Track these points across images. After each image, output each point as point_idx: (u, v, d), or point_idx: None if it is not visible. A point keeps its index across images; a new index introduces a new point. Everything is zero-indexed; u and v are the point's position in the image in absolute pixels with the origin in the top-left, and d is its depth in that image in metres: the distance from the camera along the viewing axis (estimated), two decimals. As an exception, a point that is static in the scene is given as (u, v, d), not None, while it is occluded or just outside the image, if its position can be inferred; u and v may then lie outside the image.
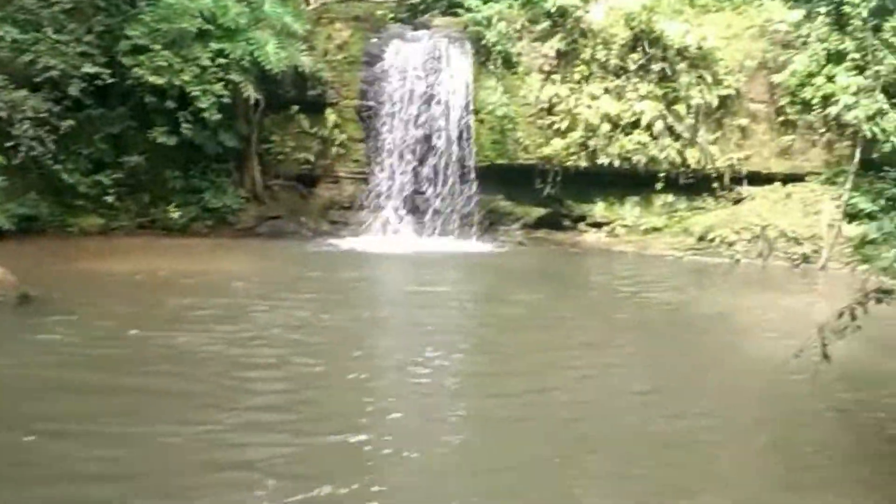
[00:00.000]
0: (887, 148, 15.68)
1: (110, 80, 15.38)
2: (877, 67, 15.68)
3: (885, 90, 15.75)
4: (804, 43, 16.70)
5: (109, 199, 16.24)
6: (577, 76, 17.27)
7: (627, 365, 8.39)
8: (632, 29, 17.00)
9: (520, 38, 17.52)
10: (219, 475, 5.36)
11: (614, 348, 9.07)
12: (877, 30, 15.89)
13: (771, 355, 9.19)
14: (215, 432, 6.01)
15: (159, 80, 15.30)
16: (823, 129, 16.89)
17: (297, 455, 5.77)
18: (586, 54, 17.24)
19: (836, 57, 16.31)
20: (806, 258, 15.81)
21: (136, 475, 5.28)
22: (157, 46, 15.35)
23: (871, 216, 15.91)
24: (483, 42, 17.28)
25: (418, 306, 11.13)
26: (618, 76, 17.25)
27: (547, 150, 17.27)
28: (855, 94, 15.75)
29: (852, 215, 16.06)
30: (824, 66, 16.42)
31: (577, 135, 17.07)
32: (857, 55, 15.99)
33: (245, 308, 10.12)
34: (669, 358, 8.86)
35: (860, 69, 16.00)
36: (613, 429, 6.47)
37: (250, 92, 16.27)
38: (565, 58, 17.39)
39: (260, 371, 7.63)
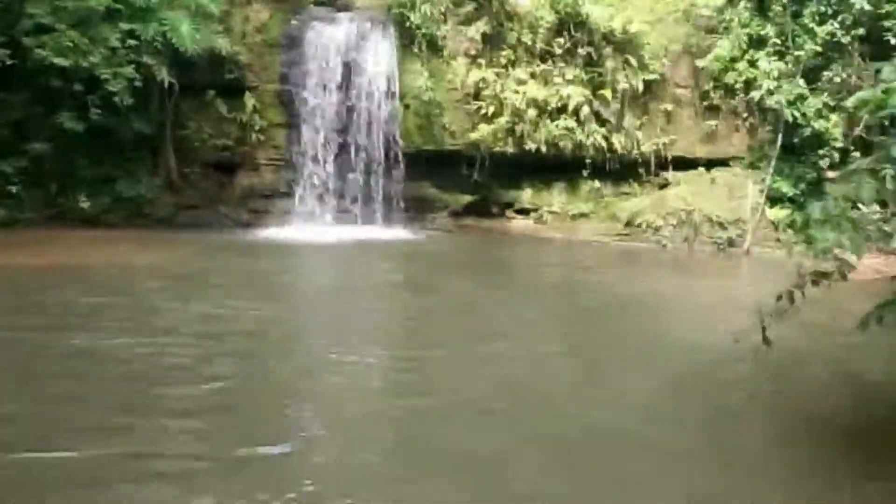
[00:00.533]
0: (807, 132, 15.87)
1: (10, 62, 14.45)
2: (797, 53, 15.84)
3: (804, 75, 15.90)
4: (727, 28, 16.77)
5: (13, 189, 15.34)
6: (503, 60, 17.01)
7: (556, 353, 8.15)
8: (557, 13, 16.80)
9: (444, 21, 17.17)
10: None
11: (543, 336, 8.83)
12: (796, 15, 16.03)
13: (702, 338, 9.15)
14: (116, 446, 5.49)
15: (65, 62, 14.43)
16: (746, 114, 17.03)
17: (211, 470, 5.28)
18: (512, 38, 17.00)
19: (758, 42, 16.43)
20: (731, 242, 15.94)
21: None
22: (63, 26, 14.49)
23: (792, 200, 16.12)
24: (407, 25, 16.87)
25: (340, 299, 10.72)
26: (544, 61, 17.06)
27: (474, 136, 17.00)
28: (776, 78, 15.87)
29: (774, 199, 16.25)
30: (746, 51, 16.53)
31: (503, 120, 16.83)
32: (777, 40, 16.11)
33: (153, 305, 9.54)
34: (599, 344, 8.67)
35: (781, 54, 16.14)
36: (544, 420, 6.21)
37: (164, 75, 15.52)
38: (491, 42, 17.11)
39: (168, 373, 7.10)
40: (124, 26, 14.96)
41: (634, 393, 6.92)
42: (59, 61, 14.41)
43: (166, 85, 15.80)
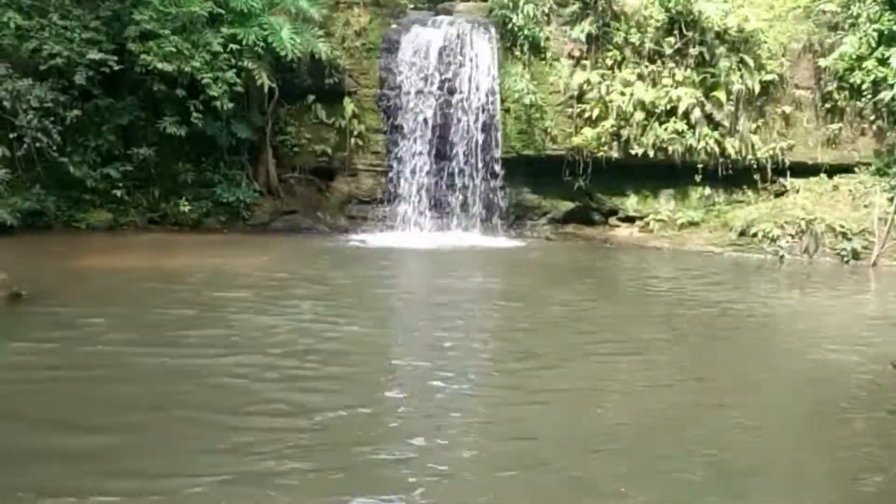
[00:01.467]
0: (944, 136, 14.58)
1: (117, 68, 14.70)
2: (936, 48, 14.59)
3: (943, 73, 14.63)
4: (853, 24, 15.61)
5: (118, 192, 15.61)
6: (608, 62, 16.30)
7: (673, 376, 7.43)
8: (667, 11, 15.98)
9: (548, 22, 16.59)
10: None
11: (657, 357, 8.10)
12: (935, 8, 14.79)
13: (846, 360, 8.27)
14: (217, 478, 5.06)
15: (168, 67, 14.56)
16: (874, 117, 15.82)
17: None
18: (619, 38, 16.26)
19: (889, 38, 15.18)
20: (856, 254, 14.74)
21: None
22: (166, 32, 14.61)
23: (926, 209, 14.82)
24: (509, 26, 16.37)
25: (442, 307, 10.21)
26: (652, 61, 16.26)
27: (576, 140, 16.33)
28: (911, 77, 14.65)
29: (906, 208, 14.96)
30: (875, 48, 15.32)
31: (608, 124, 16.10)
32: (912, 36, 14.89)
33: (247, 312, 9.26)
34: (726, 368, 7.89)
35: (916, 51, 14.90)
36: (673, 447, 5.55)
37: (264, 80, 15.50)
38: (596, 42, 16.43)
39: (261, 386, 6.74)
40: (226, 31, 15.02)
41: (788, 425, 6.14)
42: (163, 66, 14.53)
43: (266, 90, 15.78)
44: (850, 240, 14.87)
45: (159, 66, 14.53)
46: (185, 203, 15.85)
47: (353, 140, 16.75)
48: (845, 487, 5.14)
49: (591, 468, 5.24)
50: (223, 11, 15.05)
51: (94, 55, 14.35)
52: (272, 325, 8.46)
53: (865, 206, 15.32)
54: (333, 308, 9.49)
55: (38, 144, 14.40)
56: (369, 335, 8.36)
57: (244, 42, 15.04)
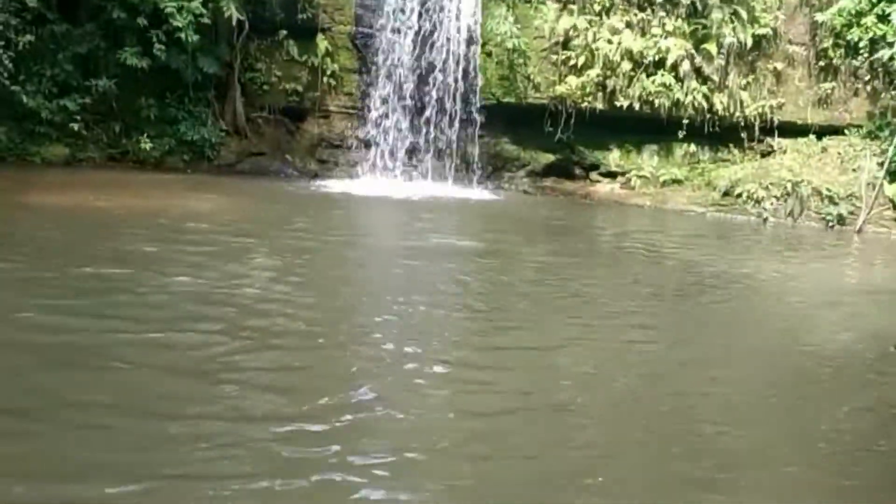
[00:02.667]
0: (941, 99, 14.04)
1: (73, -8, 13.74)
2: (940, 6, 13.95)
3: (946, 33, 14.03)
4: (854, -23, 14.92)
5: (76, 126, 14.76)
6: (596, 7, 15.55)
7: (652, 342, 6.91)
8: (660, -44, 15.20)
9: (535, -37, 15.74)
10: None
11: (636, 321, 7.57)
12: (941, -37, 14.12)
13: (813, 328, 7.81)
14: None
15: (129, -6, 13.64)
16: (869, 77, 15.25)
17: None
18: (608, -18, 15.46)
19: (891, -7, 14.56)
20: (841, 219, 14.28)
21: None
22: (127, -46, 13.66)
23: (917, 175, 14.35)
24: (493, -34, 15.53)
25: (409, 260, 9.60)
26: (642, 9, 15.52)
27: (560, 89, 15.63)
28: (911, 36, 14.04)
29: (895, 174, 14.47)
30: (876, 4, 14.66)
31: (594, 73, 15.42)
32: (915, -8, 14.23)
33: (203, 258, 8.63)
34: (698, 333, 7.38)
35: (918, 8, 14.26)
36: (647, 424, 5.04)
37: (233, 11, 14.63)
38: (584, -14, 15.62)
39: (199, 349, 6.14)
40: (192, -43, 14.04)
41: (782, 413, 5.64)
42: (123, -8, 13.61)
43: (235, 22, 14.91)
44: (836, 204, 14.40)
45: (119, -9, 13.64)
46: (147, 140, 15.07)
47: (325, 80, 15.97)
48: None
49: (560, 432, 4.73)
50: (190, -65, 14.08)
51: (46, -24, 13.43)
52: (209, 292, 7.17)
53: (854, 170, 14.83)
54: (288, 266, 8.42)
55: (-13, 71, 13.55)
56: (320, 305, 7.43)
57: (212, -30, 14.13)
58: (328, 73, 15.91)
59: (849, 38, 14.97)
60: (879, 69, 14.94)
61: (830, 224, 14.31)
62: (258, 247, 9.19)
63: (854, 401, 5.75)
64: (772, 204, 14.71)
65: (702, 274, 9.86)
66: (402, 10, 15.47)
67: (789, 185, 14.70)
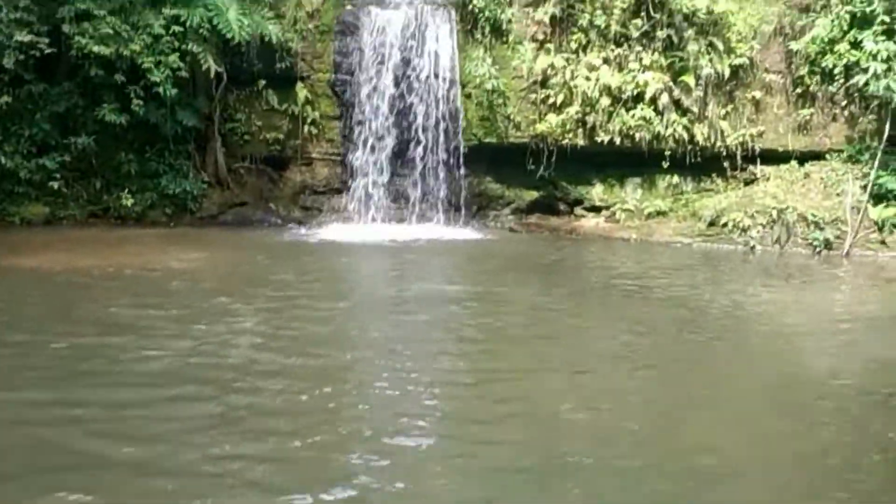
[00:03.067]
0: (919, 122, 14.11)
1: (49, 51, 13.71)
2: (912, 30, 14.07)
3: (920, 57, 14.13)
4: (825, 6, 15.06)
5: (55, 184, 14.68)
6: (573, 45, 15.59)
7: (653, 383, 6.78)
8: (634, -8, 15.33)
9: (510, 4, 15.84)
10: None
11: (634, 362, 7.44)
12: (910, -12, 14.28)
13: (811, 363, 7.72)
14: None
15: (105, 51, 13.64)
16: (846, 102, 15.31)
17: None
18: (584, 20, 15.54)
19: (863, 21, 14.65)
20: (828, 244, 14.25)
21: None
22: (102, 12, 13.67)
23: (900, 197, 14.38)
24: (469, 8, 15.62)
25: (396, 310, 9.48)
26: (619, 45, 15.57)
27: (541, 128, 15.64)
28: (885, 61, 14.11)
29: (879, 196, 14.50)
30: (848, 31, 14.78)
31: (573, 110, 15.44)
32: (886, 18, 14.33)
33: (188, 316, 8.49)
34: (699, 372, 7.26)
35: (890, 34, 14.34)
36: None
37: (210, 64, 14.60)
38: (560, 25, 15.69)
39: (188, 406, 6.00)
40: (168, 12, 14.08)
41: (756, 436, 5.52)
42: (100, 49, 13.61)
43: (213, 75, 14.89)
44: (822, 229, 14.38)
45: (96, 49, 13.60)
46: (128, 195, 14.97)
47: (306, 127, 15.95)
48: None
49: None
50: (165, -9, 14.11)
51: (22, 37, 13.38)
52: (191, 364, 6.91)
53: (837, 195, 14.84)
54: (274, 329, 8.19)
55: (-35, 133, 13.46)
56: (307, 375, 7.17)
57: (188, 24, 14.11)
58: (309, 120, 15.89)
59: (823, 65, 15.06)
60: (855, 94, 15.02)
61: (818, 249, 14.28)
62: (241, 306, 9.05)
63: (871, 443, 5.60)
64: (758, 232, 14.68)
65: (696, 308, 9.79)
66: (381, 56, 15.50)
67: (774, 213, 14.68)
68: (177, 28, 14.07)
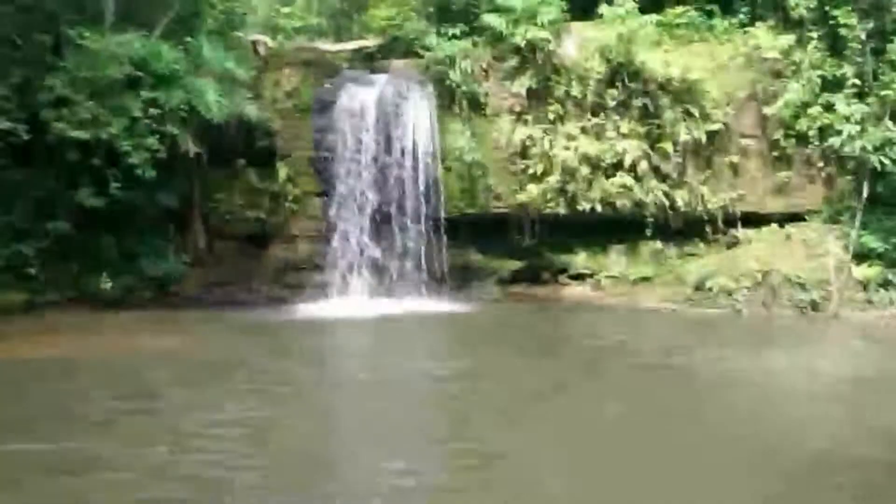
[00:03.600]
0: (897, 180, 14.26)
1: (26, 137, 13.66)
2: (882, 92, 14.29)
3: (892, 117, 14.32)
4: (796, 71, 15.37)
5: (33, 271, 14.43)
6: (550, 116, 15.79)
7: (659, 464, 6.54)
8: (609, 62, 15.59)
9: (486, 78, 16.07)
10: None
11: (635, 441, 7.22)
12: (878, 52, 14.57)
13: (805, 429, 7.53)
14: None
15: (83, 135, 13.62)
16: (822, 164, 15.52)
17: None
18: (560, 92, 15.77)
19: (834, 84, 14.96)
20: (815, 305, 14.23)
21: None
22: (81, 97, 13.68)
23: (882, 256, 14.42)
24: (447, 83, 15.82)
25: (379, 397, 9.14)
26: (595, 114, 15.78)
27: (522, 198, 15.70)
28: (859, 122, 14.32)
29: (862, 256, 14.55)
30: (819, 94, 15.08)
31: (554, 179, 15.53)
32: (857, 81, 14.63)
33: (157, 408, 8.22)
34: (688, 448, 7.07)
35: (862, 96, 14.64)
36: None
37: (189, 145, 14.61)
38: (537, 96, 15.91)
39: None
40: (146, 95, 14.12)
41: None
42: (78, 134, 13.61)
43: (192, 155, 14.86)
44: (807, 291, 14.37)
45: (74, 134, 13.59)
46: (107, 279, 14.74)
47: (287, 205, 15.91)
48: None
49: None
50: (143, 75, 14.15)
51: (1, 125, 13.33)
52: (167, 470, 6.53)
53: (820, 256, 14.88)
54: (255, 426, 7.76)
55: (-59, 221, 13.29)
56: (291, 480, 6.69)
57: (166, 106, 14.14)
58: (290, 198, 15.86)
59: (798, 128, 15.29)
60: (832, 156, 15.22)
61: (804, 311, 14.23)
62: (220, 397, 8.75)
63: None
64: (744, 295, 14.63)
65: (692, 379, 9.64)
66: (360, 132, 15.57)
67: (759, 275, 14.68)
68: (155, 111, 14.08)
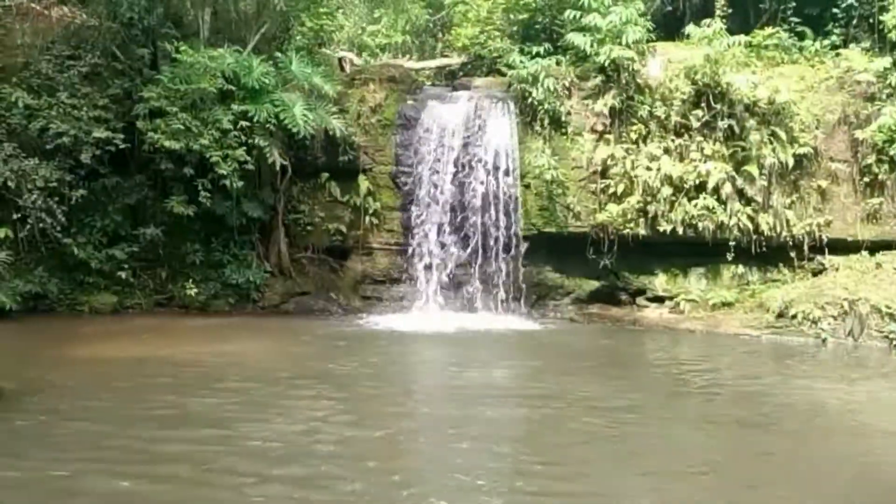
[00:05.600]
0: None
1: (123, 146, 14.32)
2: (983, 117, 13.76)
3: None
4: (891, 94, 14.89)
5: (123, 274, 15.03)
6: (633, 136, 15.63)
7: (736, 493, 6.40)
8: (694, 83, 15.37)
9: (569, 96, 16.02)
10: None
11: (713, 467, 7.08)
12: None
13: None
14: None
15: (176, 145, 14.15)
16: (918, 191, 14.96)
17: None
18: (643, 112, 15.62)
19: (930, 108, 14.46)
20: (905, 337, 13.67)
21: None
22: (174, 109, 14.24)
23: (979, 288, 13.80)
24: (528, 101, 15.83)
25: (455, 409, 9.16)
26: (679, 135, 15.56)
27: (601, 217, 15.57)
28: (956, 148, 13.83)
29: (957, 287, 13.94)
30: (915, 118, 14.57)
31: (634, 199, 15.37)
32: (955, 105, 14.12)
33: (242, 412, 8.44)
34: (766, 476, 6.89)
35: (959, 121, 14.11)
36: None
37: (276, 157, 15.02)
38: (620, 116, 15.78)
39: None
40: (237, 108, 14.62)
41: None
42: (170, 144, 14.13)
43: (278, 167, 15.28)
44: (898, 322, 13.82)
45: (167, 144, 14.13)
46: (192, 285, 15.21)
47: (367, 218, 16.16)
48: None
49: None
50: (234, 88, 14.66)
51: (99, 133, 13.98)
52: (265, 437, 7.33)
53: (913, 286, 14.31)
54: (332, 417, 8.31)
55: (41, 225, 13.94)
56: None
57: (255, 119, 14.61)
58: (370, 211, 16.11)
59: (892, 153, 14.81)
60: (927, 183, 14.70)
61: (894, 342, 13.70)
62: (298, 401, 8.96)
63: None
64: (829, 324, 14.17)
65: (768, 406, 9.38)
66: (441, 148, 15.74)
67: (846, 304, 14.19)
68: (244, 123, 14.56)
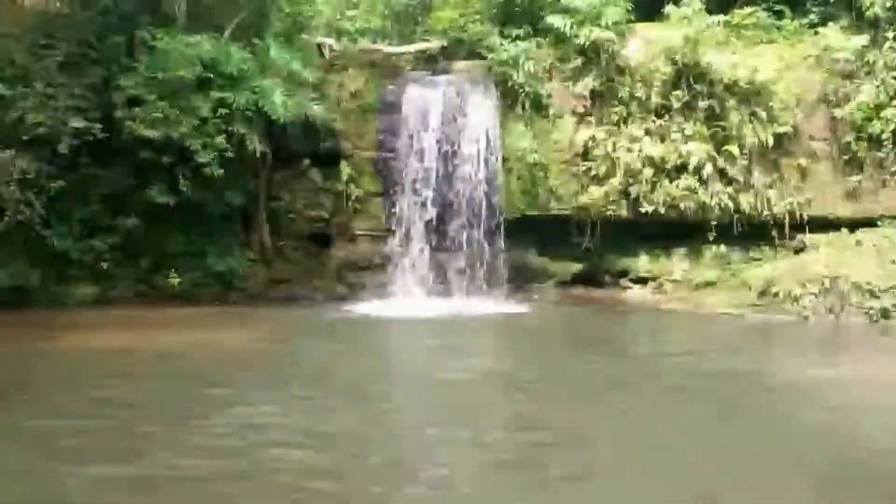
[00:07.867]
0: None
1: (102, 136, 14.13)
2: (962, 94, 13.86)
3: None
4: (870, 72, 14.97)
5: (105, 265, 14.88)
6: (614, 117, 15.67)
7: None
8: (674, 64, 15.40)
9: (549, 79, 16.02)
10: None
11: (707, 453, 7.07)
12: (957, 52, 14.13)
13: (879, 446, 7.32)
14: None
15: (154, 134, 14.00)
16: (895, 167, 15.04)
17: None
18: (624, 93, 15.65)
19: (909, 85, 14.54)
20: (886, 313, 13.78)
21: None
22: (153, 97, 14.09)
23: (958, 263, 13.94)
24: (510, 84, 15.82)
25: (438, 400, 9.12)
26: (660, 116, 15.61)
27: (583, 199, 15.61)
28: (936, 125, 13.92)
29: (937, 263, 14.07)
30: (894, 96, 14.64)
31: (616, 181, 15.41)
32: (934, 82, 14.21)
33: (214, 404, 8.34)
34: (781, 479, 6.85)
35: (939, 97, 14.20)
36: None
37: (256, 144, 14.90)
38: (600, 98, 15.82)
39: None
40: (215, 95, 14.44)
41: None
42: (149, 133, 14.00)
43: (258, 155, 15.17)
44: (878, 298, 13.92)
45: (145, 132, 13.99)
46: (175, 274, 15.12)
47: (350, 204, 16.11)
48: None
49: None
50: (212, 75, 14.50)
51: (77, 123, 13.83)
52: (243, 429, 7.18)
53: (893, 262, 14.42)
54: (311, 408, 8.15)
55: (20, 217, 13.82)
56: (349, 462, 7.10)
57: (234, 106, 14.45)
58: (352, 197, 16.06)
59: (870, 130, 14.90)
60: (907, 159, 14.80)
61: (875, 319, 13.82)
62: (281, 389, 8.92)
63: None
64: (811, 301, 14.26)
65: (753, 385, 9.42)
66: (423, 133, 15.69)
67: (827, 281, 14.29)
68: (223, 110, 14.41)
